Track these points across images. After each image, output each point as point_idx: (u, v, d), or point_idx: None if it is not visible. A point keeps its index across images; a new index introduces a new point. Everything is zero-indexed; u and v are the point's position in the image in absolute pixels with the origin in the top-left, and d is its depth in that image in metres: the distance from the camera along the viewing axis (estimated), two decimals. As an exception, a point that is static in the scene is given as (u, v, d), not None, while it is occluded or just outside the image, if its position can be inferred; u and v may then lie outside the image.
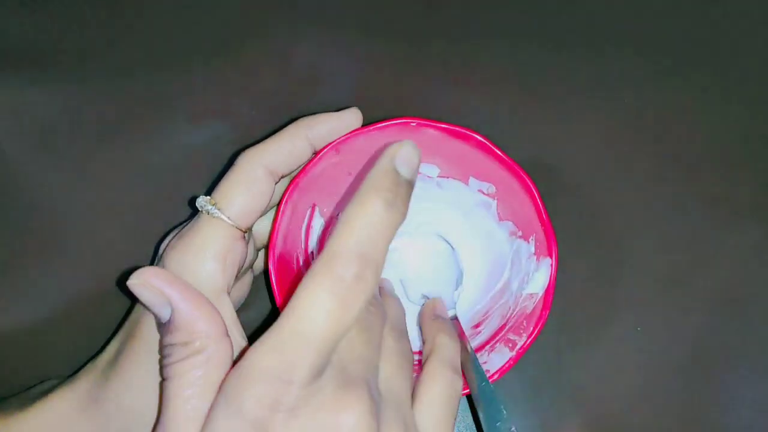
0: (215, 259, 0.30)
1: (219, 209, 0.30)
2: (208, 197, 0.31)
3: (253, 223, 0.32)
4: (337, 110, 0.35)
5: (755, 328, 0.40)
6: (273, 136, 0.33)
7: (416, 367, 0.36)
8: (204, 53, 0.44)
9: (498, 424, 0.31)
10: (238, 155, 0.32)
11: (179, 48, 0.44)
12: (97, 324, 0.37)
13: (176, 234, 0.32)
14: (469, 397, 0.37)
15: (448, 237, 0.40)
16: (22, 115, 0.42)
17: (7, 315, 0.39)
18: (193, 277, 0.29)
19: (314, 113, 0.36)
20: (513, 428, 0.31)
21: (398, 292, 0.39)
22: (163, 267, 0.30)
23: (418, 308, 0.38)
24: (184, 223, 0.33)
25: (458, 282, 0.39)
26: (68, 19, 0.44)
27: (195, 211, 0.32)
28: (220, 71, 0.43)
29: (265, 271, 0.36)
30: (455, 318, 0.37)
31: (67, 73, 0.43)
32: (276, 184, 0.32)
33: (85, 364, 0.33)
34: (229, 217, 0.30)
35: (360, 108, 0.39)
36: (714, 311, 0.40)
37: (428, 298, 0.38)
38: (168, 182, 0.42)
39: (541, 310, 0.33)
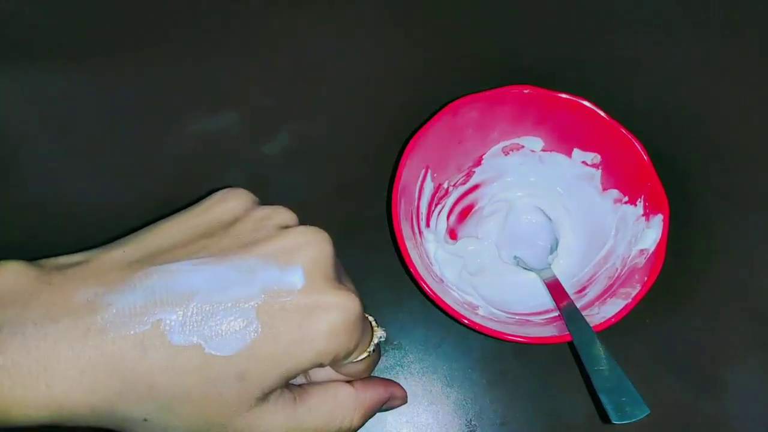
0: None
1: None
2: None
3: None
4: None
5: None
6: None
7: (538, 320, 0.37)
8: (220, 43, 0.45)
9: (597, 368, 0.32)
10: None
11: (195, 38, 0.45)
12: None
13: None
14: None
15: (546, 211, 0.41)
16: (40, 103, 0.43)
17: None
18: None
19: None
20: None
21: (492, 252, 0.41)
22: None
23: (511, 267, 0.40)
24: None
25: (553, 248, 0.40)
26: (84, 9, 0.46)
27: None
28: (236, 60, 0.45)
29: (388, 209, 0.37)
30: (554, 278, 0.38)
31: (83, 62, 0.45)
32: None
33: None
34: None
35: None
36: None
37: (519, 259, 0.40)
38: (184, 170, 0.42)
39: (655, 261, 0.34)
